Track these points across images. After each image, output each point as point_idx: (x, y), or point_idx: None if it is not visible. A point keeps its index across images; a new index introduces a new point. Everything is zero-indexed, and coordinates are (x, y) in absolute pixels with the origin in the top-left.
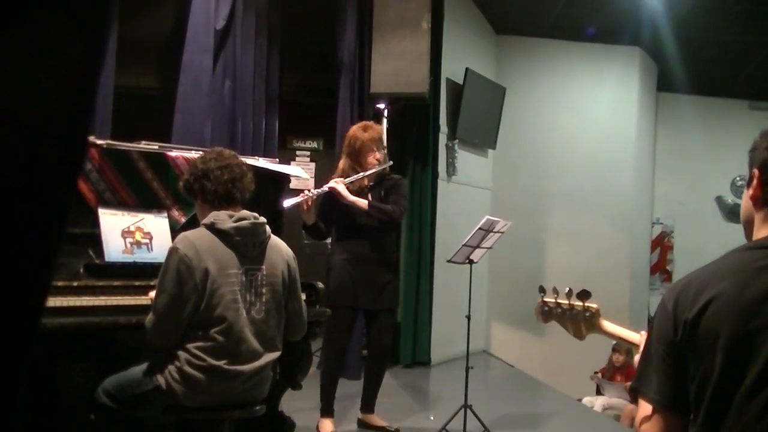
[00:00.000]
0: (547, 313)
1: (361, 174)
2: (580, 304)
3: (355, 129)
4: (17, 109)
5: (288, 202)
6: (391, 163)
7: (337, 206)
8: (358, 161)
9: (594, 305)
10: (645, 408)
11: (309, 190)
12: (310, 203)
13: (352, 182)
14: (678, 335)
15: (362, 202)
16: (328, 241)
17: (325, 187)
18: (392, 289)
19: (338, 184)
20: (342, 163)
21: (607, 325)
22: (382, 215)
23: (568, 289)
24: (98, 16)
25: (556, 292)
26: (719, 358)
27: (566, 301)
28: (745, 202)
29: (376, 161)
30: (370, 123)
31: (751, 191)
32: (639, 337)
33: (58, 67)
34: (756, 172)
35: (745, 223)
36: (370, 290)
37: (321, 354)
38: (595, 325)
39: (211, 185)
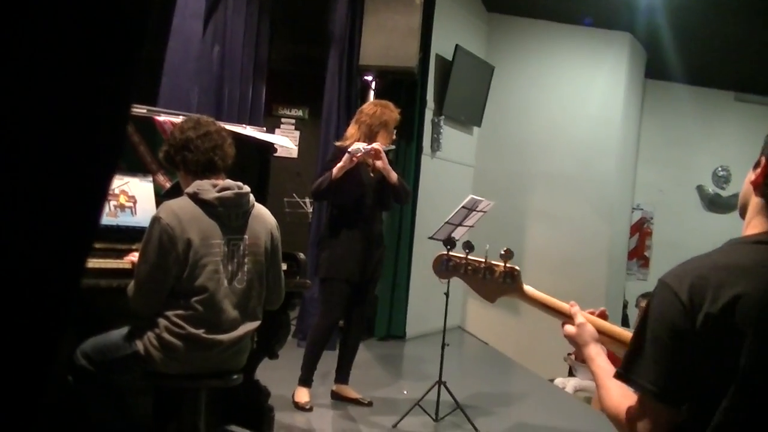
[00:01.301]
0: (451, 270)
1: (388, 147)
2: (501, 264)
3: (378, 105)
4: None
5: (343, 166)
6: (394, 147)
7: (347, 177)
8: (375, 134)
9: (516, 267)
10: (630, 396)
11: (360, 146)
12: (359, 156)
13: (367, 153)
14: (695, 327)
15: (393, 174)
16: (310, 210)
17: (369, 147)
18: (382, 261)
19: (381, 148)
20: (357, 132)
21: (531, 291)
22: (404, 191)
23: (487, 246)
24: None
25: (468, 247)
26: (744, 360)
27: (481, 259)
28: (746, 185)
29: (390, 141)
30: (391, 104)
31: (753, 176)
32: (569, 308)
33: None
34: (763, 159)
35: (742, 206)
36: (368, 264)
37: (302, 324)
38: (515, 288)
39: (192, 155)
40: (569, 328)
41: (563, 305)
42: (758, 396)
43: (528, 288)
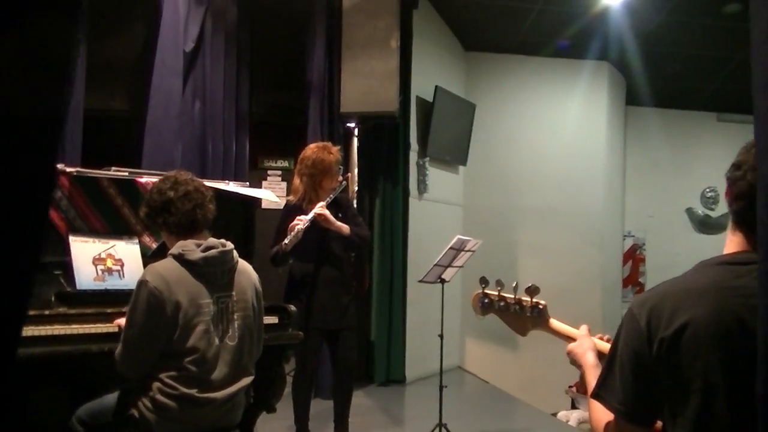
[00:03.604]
0: (487, 306)
1: (332, 195)
2: (528, 299)
3: (317, 151)
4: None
5: (290, 241)
6: (345, 184)
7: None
8: (319, 182)
9: (543, 301)
10: (607, 414)
11: (300, 220)
12: (299, 237)
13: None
14: (653, 351)
15: (345, 228)
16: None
17: (312, 214)
18: (353, 308)
19: (324, 210)
20: (301, 184)
21: (555, 323)
22: (360, 240)
23: (515, 283)
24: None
25: (500, 284)
26: (699, 382)
27: (512, 295)
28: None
29: (337, 182)
30: (329, 144)
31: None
32: (578, 332)
33: (53, 67)
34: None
35: None
36: (335, 311)
37: (294, 377)
38: (542, 323)
39: (173, 218)
40: (572, 344)
41: (576, 332)
42: (718, 415)
43: (553, 321)
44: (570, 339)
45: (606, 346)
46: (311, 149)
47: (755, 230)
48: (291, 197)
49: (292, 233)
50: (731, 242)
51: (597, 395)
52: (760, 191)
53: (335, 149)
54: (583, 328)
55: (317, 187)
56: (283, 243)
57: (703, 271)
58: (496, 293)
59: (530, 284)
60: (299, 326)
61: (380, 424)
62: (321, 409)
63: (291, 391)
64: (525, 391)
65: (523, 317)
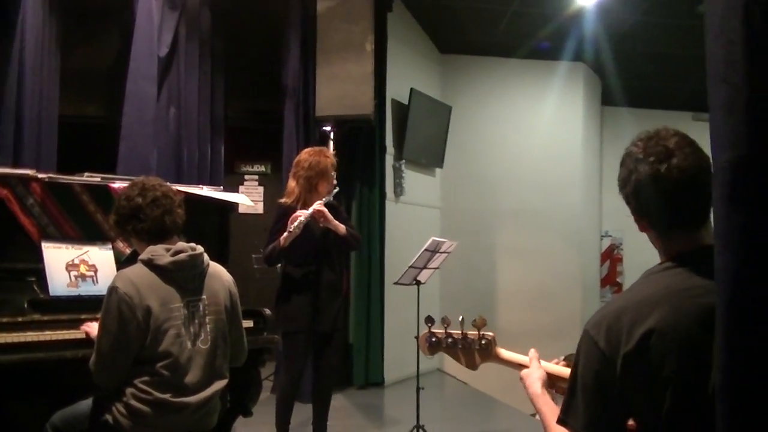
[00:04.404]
0: (435, 345)
1: (327, 197)
2: (475, 332)
3: (312, 154)
4: None
5: (290, 234)
6: (338, 188)
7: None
8: (314, 185)
9: (490, 333)
10: None
11: (300, 216)
12: (300, 228)
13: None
14: (616, 371)
15: (342, 227)
16: (278, 265)
17: (311, 210)
18: (342, 310)
19: (323, 207)
20: (296, 187)
21: (504, 353)
22: (355, 240)
23: (461, 317)
24: None
25: (446, 322)
26: (669, 393)
27: (458, 331)
28: None
29: (332, 186)
30: (325, 148)
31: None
32: (528, 359)
33: None
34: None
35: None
36: (326, 314)
37: (277, 379)
38: (490, 354)
39: (143, 224)
40: (523, 371)
41: (525, 359)
42: (687, 421)
43: (502, 351)
44: (522, 366)
45: (560, 369)
46: (307, 152)
47: (694, 226)
48: (285, 199)
49: (293, 225)
50: (668, 246)
51: (562, 421)
52: (715, 185)
53: (330, 153)
54: (532, 353)
55: (312, 189)
56: (283, 235)
57: (651, 279)
58: (443, 331)
59: (475, 318)
60: (285, 328)
61: (358, 427)
62: (300, 411)
63: (276, 394)
64: (505, 393)
65: (472, 351)
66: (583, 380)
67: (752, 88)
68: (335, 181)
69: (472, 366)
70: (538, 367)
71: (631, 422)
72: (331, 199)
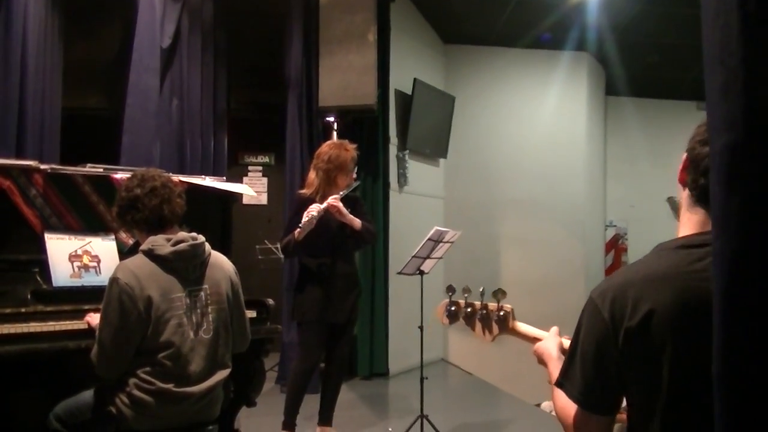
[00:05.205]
0: (453, 315)
1: (345, 191)
2: (495, 303)
3: (333, 147)
4: None
5: (304, 227)
6: (359, 182)
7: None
8: (333, 178)
9: (509, 306)
10: (570, 402)
11: (312, 212)
12: (315, 222)
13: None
14: (618, 343)
15: (357, 221)
16: (282, 255)
17: (326, 203)
18: (358, 302)
19: (338, 202)
20: (316, 179)
21: (520, 326)
22: (370, 235)
23: (482, 288)
24: None
25: (467, 291)
26: (666, 375)
27: (478, 302)
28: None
29: (351, 179)
30: (346, 142)
31: (678, 173)
32: (546, 334)
33: None
34: (685, 155)
35: (679, 209)
36: (343, 305)
37: (292, 369)
38: (507, 326)
39: (140, 214)
40: (538, 343)
41: (544, 334)
42: (685, 405)
43: (519, 324)
44: (538, 341)
45: None
46: (328, 145)
47: None
48: (305, 190)
49: (307, 218)
50: (689, 221)
51: (560, 384)
52: (713, 169)
53: (351, 147)
54: (553, 330)
55: (331, 182)
56: (297, 230)
57: (661, 255)
58: (463, 301)
59: (497, 288)
60: (302, 318)
61: (363, 417)
62: (305, 402)
63: (288, 382)
64: (508, 383)
65: (490, 322)
66: (583, 347)
67: (748, 71)
68: (355, 175)
69: (489, 336)
70: (556, 335)
71: (622, 414)
72: (350, 192)
